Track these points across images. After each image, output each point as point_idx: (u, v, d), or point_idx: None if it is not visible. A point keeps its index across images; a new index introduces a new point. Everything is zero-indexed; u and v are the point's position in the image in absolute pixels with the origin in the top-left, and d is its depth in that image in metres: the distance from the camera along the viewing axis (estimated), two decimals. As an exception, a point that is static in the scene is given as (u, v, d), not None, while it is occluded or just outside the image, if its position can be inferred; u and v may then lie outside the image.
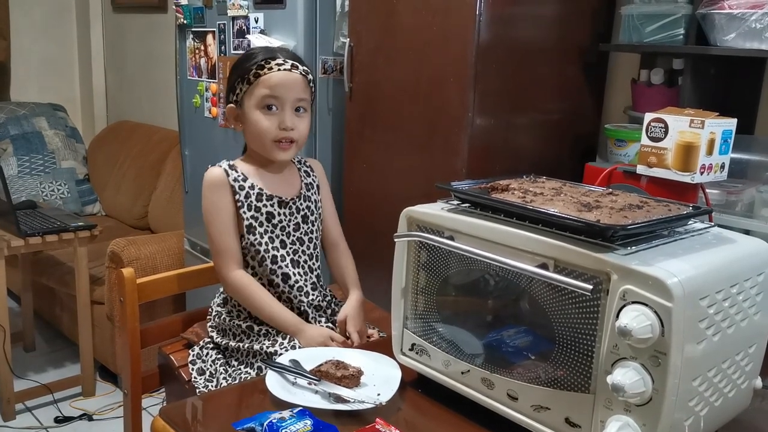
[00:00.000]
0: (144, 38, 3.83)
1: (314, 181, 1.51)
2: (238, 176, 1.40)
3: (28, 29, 4.07)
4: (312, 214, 1.47)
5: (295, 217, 1.44)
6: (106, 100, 4.26)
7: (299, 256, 1.44)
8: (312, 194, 1.49)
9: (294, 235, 1.44)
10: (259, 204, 1.40)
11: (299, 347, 1.33)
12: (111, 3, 4.04)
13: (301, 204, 1.45)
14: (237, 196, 1.39)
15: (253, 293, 1.39)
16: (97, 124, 4.22)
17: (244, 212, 1.39)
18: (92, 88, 4.20)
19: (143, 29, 3.83)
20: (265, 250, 1.40)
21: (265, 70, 1.38)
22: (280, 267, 1.42)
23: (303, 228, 1.45)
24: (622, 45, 1.81)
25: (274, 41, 2.13)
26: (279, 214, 1.42)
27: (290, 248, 1.43)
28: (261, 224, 1.40)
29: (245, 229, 1.40)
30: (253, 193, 1.40)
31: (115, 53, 4.12)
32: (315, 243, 1.48)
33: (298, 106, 1.41)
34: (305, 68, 1.43)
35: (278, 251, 1.42)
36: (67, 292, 2.80)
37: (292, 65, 1.40)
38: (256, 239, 1.40)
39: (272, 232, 1.41)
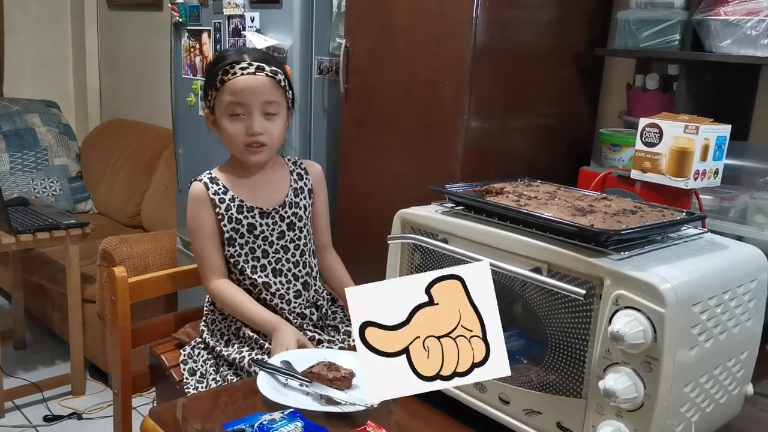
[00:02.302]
0: (139, 36, 3.81)
1: (306, 185, 1.49)
2: (219, 188, 1.40)
3: (23, 26, 4.05)
4: (300, 221, 1.45)
5: (279, 226, 1.43)
6: (100, 98, 4.24)
7: (282, 265, 1.43)
8: (301, 200, 1.46)
9: (278, 244, 1.43)
10: (240, 216, 1.40)
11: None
12: (106, 0, 4.03)
13: (285, 212, 1.44)
14: (217, 209, 1.39)
15: (232, 298, 1.39)
16: (90, 121, 4.20)
17: (225, 225, 1.39)
18: (86, 85, 4.18)
19: (138, 27, 3.81)
20: (244, 261, 1.41)
21: (230, 75, 1.36)
22: (260, 276, 1.41)
23: (288, 236, 1.44)
24: (617, 50, 1.82)
25: (269, 40, 2.12)
26: (261, 225, 1.41)
27: (273, 257, 1.42)
28: (242, 236, 1.40)
29: (226, 242, 1.40)
30: (234, 205, 1.39)
31: (110, 51, 4.10)
32: (303, 249, 1.46)
33: (267, 110, 1.38)
34: (273, 69, 1.38)
35: (258, 261, 1.41)
36: (59, 290, 2.78)
37: (257, 68, 1.36)
38: (236, 251, 1.40)
39: (253, 242, 1.41)
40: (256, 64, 1.36)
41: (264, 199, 1.42)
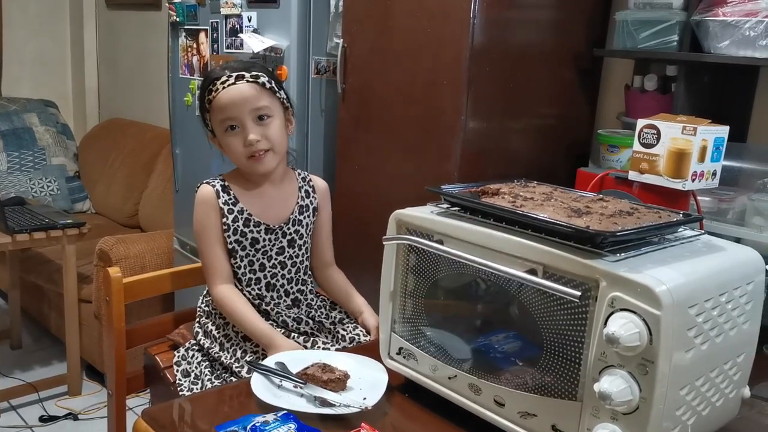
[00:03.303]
0: (137, 36, 3.81)
1: (312, 203, 1.47)
2: (229, 199, 1.38)
3: (22, 25, 4.05)
4: (300, 239, 1.45)
5: (280, 242, 1.42)
6: (99, 97, 4.24)
7: (277, 280, 1.42)
8: (305, 217, 1.45)
9: (276, 259, 1.42)
10: (246, 230, 1.39)
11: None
12: (105, 0, 4.02)
13: (288, 229, 1.43)
14: (224, 219, 1.38)
15: (234, 306, 1.37)
16: (89, 121, 4.20)
17: (229, 236, 1.38)
18: (84, 85, 4.18)
19: (137, 26, 3.81)
20: (242, 273, 1.40)
21: (213, 93, 1.36)
22: (254, 289, 1.41)
23: (288, 252, 1.43)
24: (616, 50, 1.81)
25: (266, 41, 2.12)
26: (264, 240, 1.40)
27: (269, 272, 1.41)
28: (244, 248, 1.39)
29: (227, 252, 1.39)
30: (241, 218, 1.38)
31: (108, 50, 4.09)
32: (298, 267, 1.45)
33: (258, 114, 1.36)
34: (254, 74, 1.36)
35: (255, 274, 1.41)
36: (55, 290, 2.77)
37: (237, 77, 1.34)
38: (235, 263, 1.39)
39: (253, 256, 1.40)
40: (235, 74, 1.35)
41: (271, 215, 1.41)
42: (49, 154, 3.70)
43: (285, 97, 1.42)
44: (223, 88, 1.35)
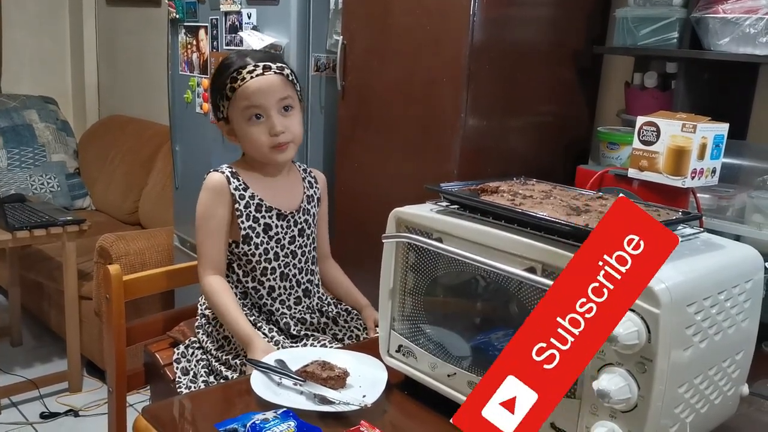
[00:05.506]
0: (137, 32, 3.80)
1: (316, 194, 1.49)
2: (240, 184, 1.38)
3: (21, 22, 4.04)
4: (308, 228, 1.45)
5: (292, 230, 1.42)
6: (98, 94, 4.23)
7: (289, 270, 1.42)
8: (311, 207, 1.47)
9: (288, 248, 1.42)
10: (258, 215, 1.39)
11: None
12: (104, -4, 4.02)
13: (299, 217, 1.43)
14: (237, 205, 1.37)
15: (220, 299, 1.35)
16: (88, 118, 4.19)
17: (242, 221, 1.37)
18: (84, 81, 4.17)
19: (136, 23, 3.80)
20: (257, 262, 1.39)
21: (239, 81, 1.35)
22: (268, 279, 1.40)
23: (298, 241, 1.43)
24: (616, 48, 1.81)
25: (266, 38, 2.12)
26: (276, 226, 1.40)
27: (282, 261, 1.41)
28: (258, 235, 1.39)
29: (241, 239, 1.38)
30: (253, 203, 1.38)
31: (108, 47, 4.09)
32: (307, 257, 1.46)
33: (284, 105, 1.37)
34: (279, 65, 1.38)
35: (270, 263, 1.40)
36: (55, 287, 2.78)
37: (264, 67, 1.35)
38: (250, 250, 1.38)
39: (267, 243, 1.40)
40: (261, 64, 1.36)
41: (281, 201, 1.42)
42: (49, 150, 3.69)
43: (299, 90, 1.44)
44: (251, 77, 1.35)
